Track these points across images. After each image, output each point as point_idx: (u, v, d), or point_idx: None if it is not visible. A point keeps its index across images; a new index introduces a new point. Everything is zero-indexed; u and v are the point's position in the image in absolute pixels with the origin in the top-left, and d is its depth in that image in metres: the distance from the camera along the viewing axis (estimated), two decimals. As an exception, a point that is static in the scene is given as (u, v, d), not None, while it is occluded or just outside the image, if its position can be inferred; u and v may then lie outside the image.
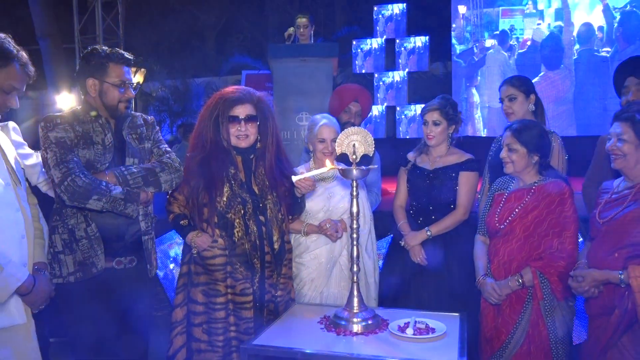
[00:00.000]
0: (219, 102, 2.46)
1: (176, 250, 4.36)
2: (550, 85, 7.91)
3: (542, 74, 7.99)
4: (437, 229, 2.87)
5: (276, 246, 2.48)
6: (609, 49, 7.78)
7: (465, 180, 2.91)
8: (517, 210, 2.48)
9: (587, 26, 7.93)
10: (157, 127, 2.57)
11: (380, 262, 3.14)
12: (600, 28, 7.84)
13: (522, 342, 2.42)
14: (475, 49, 8.55)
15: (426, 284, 2.86)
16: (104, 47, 2.40)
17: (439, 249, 2.86)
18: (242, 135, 2.45)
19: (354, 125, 3.17)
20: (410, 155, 3.11)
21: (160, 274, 4.23)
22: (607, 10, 7.77)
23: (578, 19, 7.97)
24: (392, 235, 3.23)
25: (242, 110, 2.45)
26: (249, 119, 2.45)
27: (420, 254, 2.86)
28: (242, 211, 2.42)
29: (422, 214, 2.97)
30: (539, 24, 8.18)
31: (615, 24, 7.72)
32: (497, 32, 8.39)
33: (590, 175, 2.93)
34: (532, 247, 2.43)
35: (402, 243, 2.93)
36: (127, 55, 2.40)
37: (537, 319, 2.41)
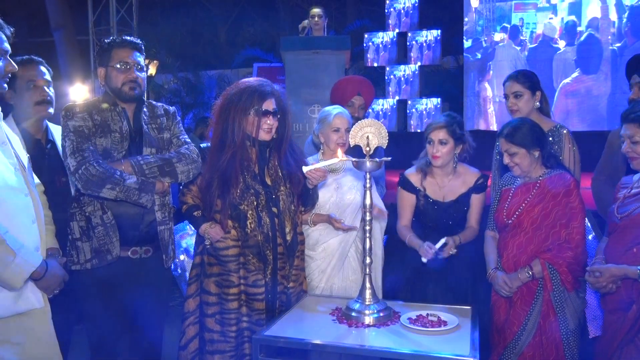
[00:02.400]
0: (252, 94, 2.41)
1: (187, 241, 4.38)
2: (584, 88, 7.85)
3: (575, 75, 7.91)
4: (464, 241, 2.78)
5: (288, 238, 2.48)
6: (618, 44, 7.73)
7: (477, 202, 2.84)
8: (524, 204, 2.50)
9: (598, 20, 7.86)
10: (178, 118, 2.59)
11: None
12: (612, 23, 7.79)
13: (534, 333, 2.45)
14: (484, 42, 8.49)
15: (429, 282, 2.83)
16: (110, 37, 2.44)
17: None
18: (269, 128, 2.44)
19: (358, 119, 3.12)
20: (414, 178, 2.89)
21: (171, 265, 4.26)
22: (619, 5, 7.71)
23: (590, 13, 7.90)
24: (386, 235, 3.21)
25: (270, 104, 2.44)
26: (274, 112, 2.45)
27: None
28: (255, 203, 2.42)
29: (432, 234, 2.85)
30: (551, 18, 8.10)
31: (625, 19, 7.67)
32: (509, 26, 8.33)
33: (600, 169, 2.91)
34: (540, 239, 2.45)
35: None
36: (130, 38, 2.43)
37: (548, 310, 2.43)
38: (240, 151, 2.42)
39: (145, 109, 2.48)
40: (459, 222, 2.85)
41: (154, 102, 2.56)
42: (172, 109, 2.59)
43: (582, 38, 7.91)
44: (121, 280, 2.35)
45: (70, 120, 2.30)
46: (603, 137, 2.98)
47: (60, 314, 2.17)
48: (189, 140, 2.54)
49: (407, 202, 2.90)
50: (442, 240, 2.65)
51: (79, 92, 9.36)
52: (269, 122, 2.42)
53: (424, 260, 2.62)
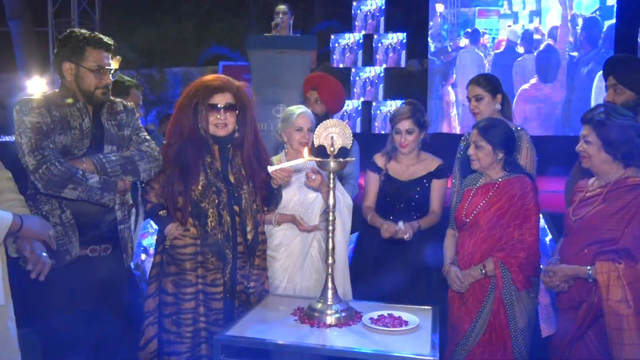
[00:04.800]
0: (199, 89, 2.42)
1: (149, 240, 4.30)
2: (539, 94, 8.09)
3: (534, 81, 8.14)
4: (424, 224, 2.85)
5: (249, 237, 2.47)
6: (575, 53, 8.02)
7: (438, 187, 2.97)
8: (481, 203, 2.58)
9: (557, 29, 8.14)
10: (137, 114, 2.54)
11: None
12: (570, 32, 8.08)
13: (484, 330, 2.51)
14: (449, 47, 8.65)
15: (398, 279, 2.86)
16: (82, 31, 2.34)
17: (419, 245, 2.86)
18: (220, 123, 2.42)
19: (315, 114, 3.10)
20: (380, 160, 3.08)
21: (132, 264, 4.18)
22: (574, 15, 8.03)
23: (550, 22, 8.16)
24: (358, 232, 3.23)
25: (221, 99, 2.42)
26: (228, 107, 2.43)
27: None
28: (217, 201, 2.40)
29: (394, 213, 2.95)
30: (509, 26, 8.34)
31: (579, 30, 7.99)
32: (471, 32, 8.52)
33: (575, 172, 2.98)
34: (495, 239, 2.52)
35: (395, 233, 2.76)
36: (106, 39, 2.34)
37: (499, 308, 2.49)
38: (192, 145, 2.40)
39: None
40: (420, 204, 2.94)
41: (112, 98, 2.49)
42: (130, 104, 2.53)
43: (541, 47, 8.16)
44: (80, 279, 2.29)
45: (26, 115, 2.19)
46: (558, 141, 3.06)
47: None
48: (148, 137, 2.50)
49: (372, 181, 3.07)
50: (400, 224, 2.76)
51: (37, 86, 9.08)
52: (218, 116, 2.41)
53: (406, 237, 2.74)
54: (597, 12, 7.97)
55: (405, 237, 2.75)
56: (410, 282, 2.85)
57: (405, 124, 2.92)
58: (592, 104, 7.82)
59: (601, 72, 2.93)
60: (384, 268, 2.92)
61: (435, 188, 2.96)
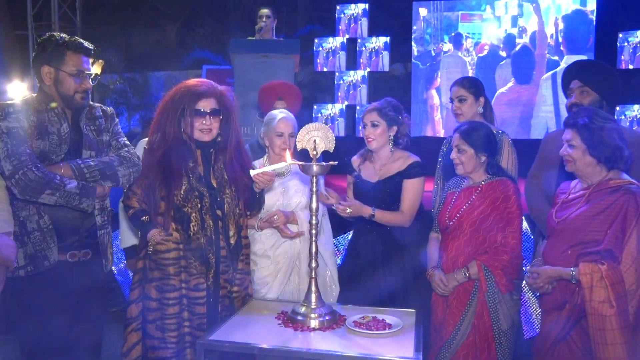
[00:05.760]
0: (184, 94, 2.40)
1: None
2: (516, 97, 8.19)
3: (510, 85, 8.24)
4: (380, 215, 2.75)
5: (232, 241, 2.46)
6: (555, 57, 8.13)
7: (409, 187, 2.80)
8: (464, 207, 2.59)
9: (537, 33, 8.25)
10: (117, 119, 2.51)
11: (339, 259, 3.14)
12: (548, 35, 8.20)
13: (468, 333, 2.51)
14: (432, 51, 8.71)
15: (389, 282, 2.86)
16: (62, 35, 2.32)
17: (412, 249, 2.85)
18: (205, 129, 2.41)
19: None
20: (355, 161, 3.00)
21: (115, 269, 4.14)
22: (556, 18, 8.15)
23: (531, 26, 8.26)
24: (354, 230, 3.23)
25: (206, 104, 2.41)
26: (213, 113, 2.42)
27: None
28: (199, 205, 2.39)
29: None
30: (492, 30, 8.43)
31: (559, 34, 8.11)
32: (454, 35, 8.60)
33: (534, 174, 3.00)
34: (478, 242, 2.53)
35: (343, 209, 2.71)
36: (86, 44, 2.33)
37: (482, 310, 2.50)
38: (175, 150, 2.38)
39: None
40: (392, 206, 2.81)
41: (91, 103, 2.47)
42: (109, 109, 2.52)
43: (517, 49, 8.27)
44: (59, 285, 2.26)
45: (2, 120, 2.17)
46: (539, 144, 3.09)
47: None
48: (128, 142, 2.49)
49: (349, 185, 3.00)
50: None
51: (17, 90, 8.95)
52: (204, 122, 2.40)
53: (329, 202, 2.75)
54: (577, 17, 8.08)
55: (329, 202, 2.73)
56: (398, 286, 2.85)
57: (371, 117, 2.82)
58: (536, 100, 8.02)
59: (550, 72, 2.97)
60: (374, 271, 2.91)
61: (406, 188, 2.79)
